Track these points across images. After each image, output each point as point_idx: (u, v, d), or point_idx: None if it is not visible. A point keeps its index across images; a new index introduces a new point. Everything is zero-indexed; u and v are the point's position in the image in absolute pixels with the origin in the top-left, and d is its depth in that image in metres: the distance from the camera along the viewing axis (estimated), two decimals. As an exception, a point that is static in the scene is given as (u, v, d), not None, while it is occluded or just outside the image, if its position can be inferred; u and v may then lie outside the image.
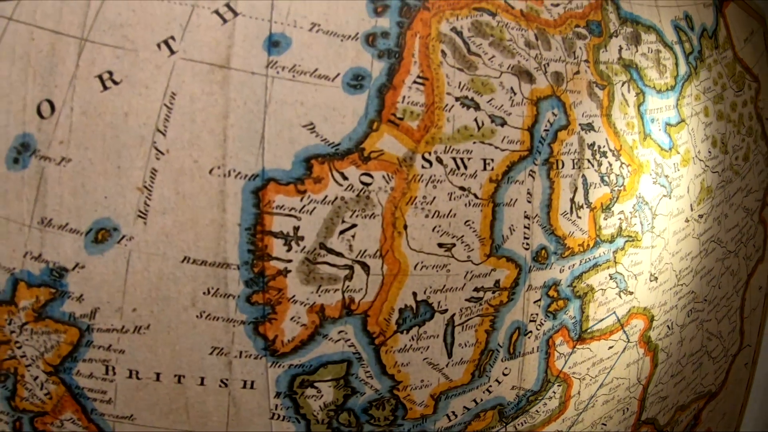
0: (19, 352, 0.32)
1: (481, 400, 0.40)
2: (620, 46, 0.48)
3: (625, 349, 0.52)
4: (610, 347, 0.50)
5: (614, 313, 0.48)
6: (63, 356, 0.31)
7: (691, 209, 0.58)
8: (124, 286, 0.30)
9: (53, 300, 0.31)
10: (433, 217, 0.34)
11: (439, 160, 0.34)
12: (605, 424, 0.55)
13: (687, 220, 0.57)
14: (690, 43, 0.60)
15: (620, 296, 0.48)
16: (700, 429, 0.80)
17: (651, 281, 0.52)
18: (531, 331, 0.41)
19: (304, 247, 0.31)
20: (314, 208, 0.31)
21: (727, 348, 0.78)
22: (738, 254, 0.74)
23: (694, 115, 0.59)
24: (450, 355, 0.37)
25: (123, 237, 0.29)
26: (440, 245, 0.34)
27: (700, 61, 0.62)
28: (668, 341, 0.60)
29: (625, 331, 0.51)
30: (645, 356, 0.56)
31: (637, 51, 0.50)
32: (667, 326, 0.58)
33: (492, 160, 0.36)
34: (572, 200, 0.41)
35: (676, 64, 0.56)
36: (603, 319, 0.47)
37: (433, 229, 0.34)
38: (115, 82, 0.30)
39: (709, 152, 0.62)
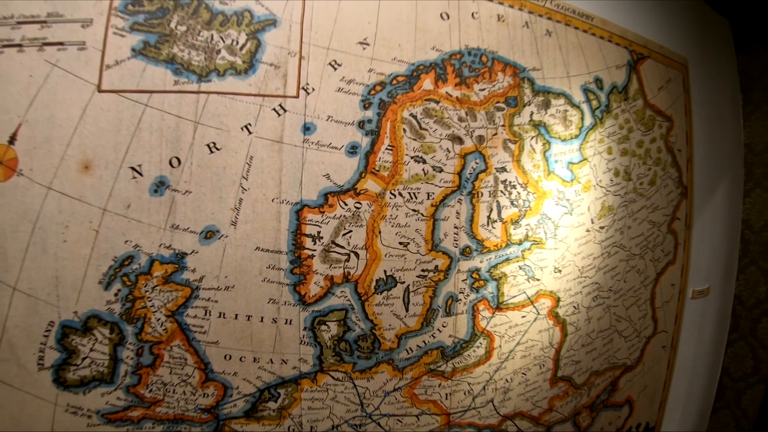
0: (149, 304, 0.61)
1: (428, 342, 0.71)
2: (532, 111, 0.80)
3: (536, 319, 0.84)
4: (523, 316, 0.81)
5: (524, 292, 0.80)
6: (179, 305, 0.61)
7: (592, 222, 0.90)
8: (220, 263, 0.59)
9: (176, 272, 0.60)
10: (396, 226, 0.65)
11: (400, 194, 0.64)
12: (525, 374, 0.86)
13: (588, 230, 0.89)
14: (597, 100, 0.92)
15: (528, 281, 0.80)
16: (619, 395, 1.13)
17: (555, 272, 0.84)
18: (460, 299, 0.72)
19: (323, 243, 0.61)
20: (328, 221, 0.61)
21: (639, 330, 1.11)
22: (644, 257, 1.07)
23: (596, 154, 0.91)
24: (407, 309, 0.67)
25: (222, 236, 0.59)
26: (401, 243, 0.65)
27: (606, 113, 0.94)
28: (575, 318, 0.92)
29: (535, 307, 0.83)
30: (555, 327, 0.88)
31: (546, 113, 0.82)
32: (573, 306, 0.90)
33: (433, 193, 0.66)
34: (488, 217, 0.72)
35: (582, 118, 0.88)
36: (515, 296, 0.79)
37: (396, 234, 0.65)
38: (217, 149, 0.59)
39: (611, 180, 0.95)
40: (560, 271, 0.86)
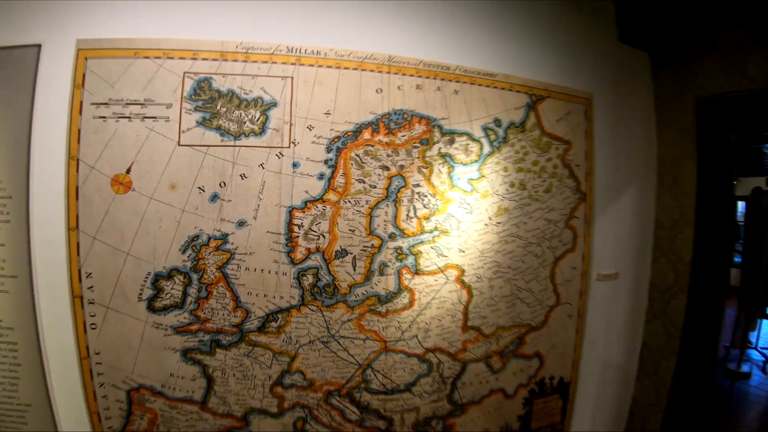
0: (207, 262, 1.24)
1: (368, 291, 1.33)
2: (440, 147, 1.41)
3: (446, 283, 1.46)
4: (436, 280, 1.43)
5: (436, 264, 1.42)
6: (223, 262, 1.24)
7: (489, 219, 1.51)
8: (247, 239, 1.22)
9: (222, 244, 1.23)
10: (347, 220, 1.27)
11: (349, 201, 1.26)
12: (440, 321, 1.48)
13: (486, 224, 1.51)
14: (495, 134, 1.53)
15: (438, 257, 1.41)
16: (527, 349, 1.74)
17: (460, 252, 1.46)
18: (389, 265, 1.34)
19: (304, 229, 1.23)
20: (307, 216, 1.24)
21: (541, 300, 1.73)
22: (541, 245, 1.68)
23: (494, 173, 1.52)
24: (354, 269, 1.30)
25: (248, 225, 1.22)
26: (350, 230, 1.27)
27: (503, 143, 1.55)
28: (479, 285, 1.53)
29: (444, 274, 1.45)
30: (462, 290, 1.50)
31: (451, 147, 1.43)
32: (477, 276, 1.52)
33: (370, 200, 1.28)
34: (407, 215, 1.34)
35: (481, 148, 1.49)
36: (429, 266, 1.41)
37: (347, 224, 1.27)
38: (246, 177, 1.22)
39: (507, 190, 1.56)
40: (464, 251, 1.48)
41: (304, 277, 1.29)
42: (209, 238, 1.21)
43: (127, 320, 1.20)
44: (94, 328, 1.19)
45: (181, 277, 1.21)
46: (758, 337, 5.03)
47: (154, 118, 1.15)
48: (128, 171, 1.15)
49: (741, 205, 6.03)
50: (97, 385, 1.21)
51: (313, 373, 1.35)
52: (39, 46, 1.13)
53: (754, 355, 4.64)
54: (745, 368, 4.30)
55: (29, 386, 1.21)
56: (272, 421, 1.34)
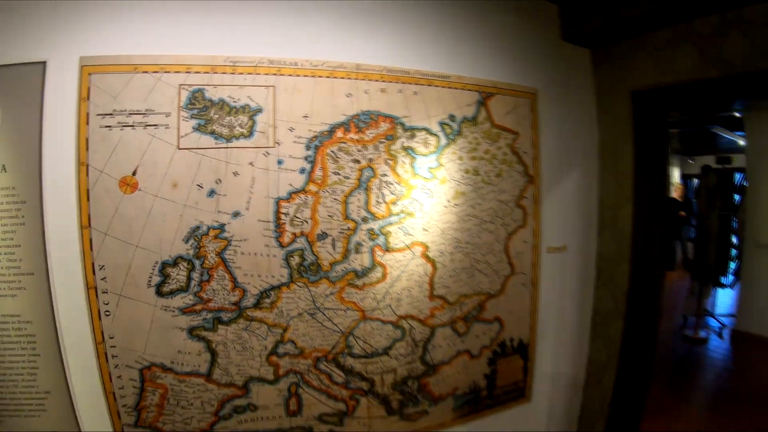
0: (207, 249, 1.56)
1: (347, 267, 1.70)
2: (403, 141, 1.78)
3: (413, 258, 1.84)
4: (404, 256, 1.81)
5: (403, 242, 1.80)
6: (222, 249, 1.57)
7: (448, 202, 1.91)
8: (241, 227, 1.56)
9: (220, 233, 1.56)
10: (326, 207, 1.62)
11: (327, 191, 1.62)
12: (410, 291, 1.87)
13: (445, 206, 1.90)
14: (451, 128, 1.92)
15: (405, 236, 1.79)
16: (488, 314, 2.16)
17: (423, 231, 1.84)
18: (363, 245, 1.70)
19: (290, 216, 1.58)
20: (292, 206, 1.58)
21: (497, 271, 2.14)
22: (495, 223, 2.09)
23: (450, 162, 1.91)
24: (334, 249, 1.65)
25: (242, 215, 1.55)
26: (328, 215, 1.63)
27: (458, 135, 1.94)
28: (442, 258, 1.93)
29: (411, 250, 1.83)
30: (427, 263, 1.88)
31: (412, 141, 1.81)
32: (439, 252, 1.92)
33: (344, 190, 1.64)
34: (377, 201, 1.70)
35: (438, 141, 1.88)
36: (397, 244, 1.79)
37: (326, 211, 1.62)
38: (238, 174, 1.55)
39: (462, 176, 1.95)
40: (427, 230, 1.87)
41: (292, 258, 1.63)
42: (209, 228, 1.53)
43: (138, 305, 1.50)
44: (108, 315, 1.47)
45: (185, 264, 1.53)
46: (714, 305, 5.80)
47: (155, 125, 1.46)
48: (134, 173, 1.45)
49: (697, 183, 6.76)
50: (112, 367, 1.49)
51: (303, 342, 1.71)
52: (44, 63, 1.40)
53: (713, 322, 5.36)
54: (703, 334, 4.99)
55: (48, 374, 1.45)
56: (269, 387, 1.68)
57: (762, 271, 4.97)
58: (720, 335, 5.07)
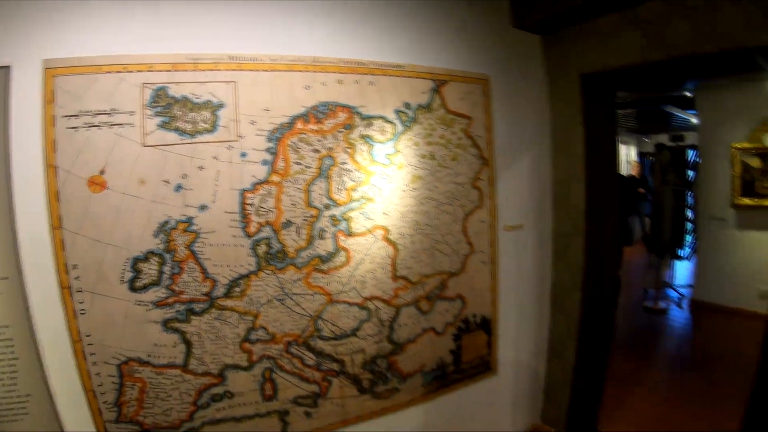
0: (177, 242, 1.77)
1: (312, 253, 1.95)
2: (360, 130, 2.04)
3: (375, 241, 2.11)
4: (366, 239, 2.08)
5: (365, 226, 2.07)
6: (191, 242, 1.78)
7: (406, 186, 2.19)
8: (209, 220, 1.78)
9: (189, 226, 1.77)
10: (289, 196, 1.86)
11: (290, 181, 1.86)
12: (374, 273, 2.14)
13: (404, 191, 2.18)
14: (407, 115, 2.20)
15: (366, 220, 2.06)
16: (450, 292, 2.47)
17: (384, 215, 2.11)
18: (327, 231, 1.96)
19: (255, 206, 1.81)
20: (257, 196, 1.81)
21: (456, 250, 2.45)
22: (453, 204, 2.39)
23: (407, 147, 2.19)
24: (298, 236, 1.90)
25: (208, 207, 1.77)
26: (292, 204, 1.87)
27: (413, 122, 2.22)
28: (403, 241, 2.21)
29: (373, 234, 2.10)
30: (388, 246, 2.16)
31: (369, 129, 2.07)
32: (400, 234, 2.20)
33: (306, 178, 1.89)
34: (338, 188, 1.96)
35: (395, 128, 2.15)
36: (359, 229, 2.05)
37: (290, 200, 1.86)
38: (204, 168, 1.77)
39: (419, 161, 2.24)
40: (387, 214, 2.14)
41: (259, 247, 1.87)
42: (177, 222, 1.73)
43: (112, 302, 1.66)
44: (83, 314, 1.63)
45: (156, 258, 1.73)
46: (673, 277, 6.54)
47: (121, 124, 1.65)
48: (102, 172, 1.64)
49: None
50: (90, 364, 1.64)
51: (274, 328, 1.94)
52: (8, 67, 1.56)
53: (672, 293, 6.05)
54: (663, 305, 5.63)
55: (28, 377, 1.54)
56: (244, 373, 1.90)
57: (716, 242, 5.62)
58: (679, 305, 5.76)
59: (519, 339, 2.90)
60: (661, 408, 3.53)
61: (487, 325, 2.62)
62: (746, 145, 5.14)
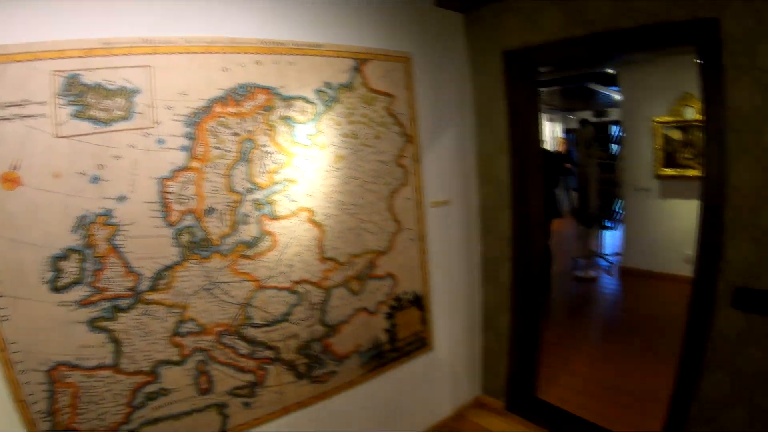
0: (97, 236, 1.93)
1: (237, 240, 2.18)
2: (281, 111, 2.27)
3: (300, 223, 2.37)
4: (291, 222, 2.32)
5: (289, 209, 2.32)
6: (112, 235, 1.95)
7: (329, 166, 2.46)
8: (128, 212, 1.95)
9: (108, 219, 1.93)
10: (210, 182, 2.07)
11: (210, 166, 2.07)
12: (301, 256, 2.40)
13: (327, 171, 2.45)
14: (327, 95, 2.46)
15: (290, 203, 2.31)
16: (380, 270, 2.78)
17: (308, 196, 2.37)
18: (250, 216, 2.19)
19: (176, 194, 2.01)
20: (177, 184, 2.01)
21: (383, 228, 2.76)
22: (377, 183, 2.69)
23: (329, 128, 2.45)
24: (222, 222, 2.12)
25: (127, 198, 1.94)
26: (213, 189, 2.08)
27: (335, 101, 2.49)
28: (328, 221, 2.48)
29: (298, 217, 2.36)
30: (314, 228, 2.43)
31: (290, 110, 2.31)
32: (325, 215, 2.46)
33: (227, 162, 2.11)
34: (260, 171, 2.19)
35: (316, 108, 2.41)
36: (283, 212, 2.29)
37: (211, 185, 2.08)
38: (120, 157, 1.94)
39: (342, 141, 2.51)
40: (311, 195, 2.40)
41: (182, 236, 2.06)
42: (95, 216, 1.87)
43: (35, 305, 1.73)
44: (6, 320, 1.69)
45: (77, 255, 1.85)
46: (602, 246, 7.54)
47: (33, 116, 1.73)
48: (15, 168, 1.75)
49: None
50: (18, 373, 1.71)
51: (203, 319, 2.14)
52: None
53: (603, 262, 6.95)
54: (593, 274, 6.47)
55: None
56: (177, 368, 2.06)
57: (641, 212, 6.52)
58: (609, 273, 6.62)
59: (453, 313, 3.28)
60: (597, 370, 4.12)
61: (419, 302, 2.96)
62: (667, 118, 5.95)
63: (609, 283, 6.50)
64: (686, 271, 2.59)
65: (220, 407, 2.22)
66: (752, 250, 2.23)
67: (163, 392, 2.06)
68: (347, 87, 2.49)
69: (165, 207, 1.98)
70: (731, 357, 2.37)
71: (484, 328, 3.61)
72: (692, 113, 5.68)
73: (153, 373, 2.02)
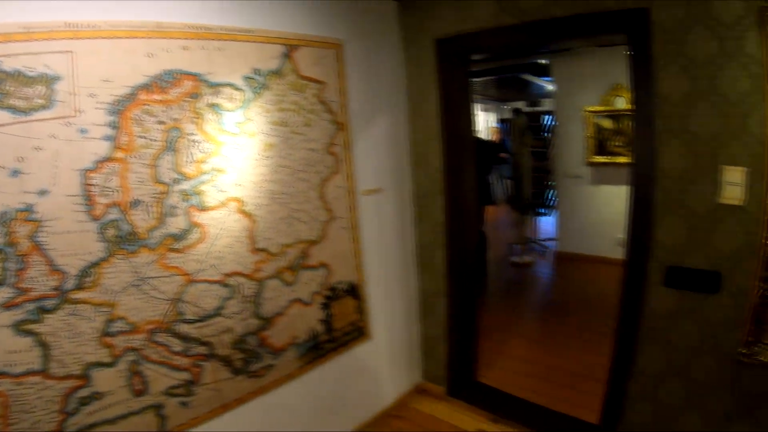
0: (18, 233, 2.02)
1: (165, 232, 2.32)
2: (208, 98, 2.41)
3: (230, 214, 2.52)
4: (221, 213, 2.45)
5: (218, 199, 2.47)
6: (34, 231, 2.03)
7: (259, 155, 2.63)
8: (50, 206, 2.03)
9: (30, 214, 2.02)
10: (135, 173, 2.21)
11: (135, 156, 2.19)
12: (232, 248, 2.54)
13: (256, 160, 2.61)
14: (256, 82, 2.62)
15: (219, 193, 2.45)
16: (313, 260, 2.97)
17: (237, 186, 2.54)
18: (178, 207, 2.32)
19: (100, 187, 2.13)
20: (100, 175, 2.12)
21: (315, 217, 2.94)
22: (307, 171, 2.87)
23: (258, 115, 2.61)
24: (148, 215, 2.26)
25: (49, 192, 2.02)
26: (139, 181, 2.21)
27: (264, 88, 2.66)
28: (259, 212, 2.63)
29: (227, 207, 2.51)
30: (244, 218, 2.58)
31: (218, 97, 2.45)
32: (256, 205, 2.62)
33: (152, 152, 2.24)
34: (186, 160, 2.33)
35: (245, 95, 2.57)
36: (212, 203, 2.44)
37: (136, 177, 2.21)
38: (41, 149, 2.02)
39: (271, 128, 2.68)
40: (241, 185, 2.55)
41: (107, 230, 2.15)
42: (16, 212, 1.90)
43: None
44: None
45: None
46: (537, 232, 8.29)
47: None
48: None
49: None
50: None
51: (133, 317, 2.22)
52: None
53: (538, 248, 7.67)
54: (529, 259, 7.14)
55: None
56: (109, 370, 2.12)
57: (574, 198, 7.37)
58: (544, 257, 7.32)
59: (390, 301, 3.52)
60: (535, 352, 4.57)
61: (355, 291, 3.18)
62: (599, 108, 6.77)
63: (545, 267, 7.13)
64: (619, 253, 2.97)
65: (157, 408, 2.32)
66: (681, 230, 2.57)
67: (97, 396, 2.13)
68: (277, 73, 2.65)
69: (89, 200, 2.06)
70: (665, 333, 2.72)
71: (422, 315, 3.90)
72: (623, 103, 6.45)
73: (84, 377, 2.09)
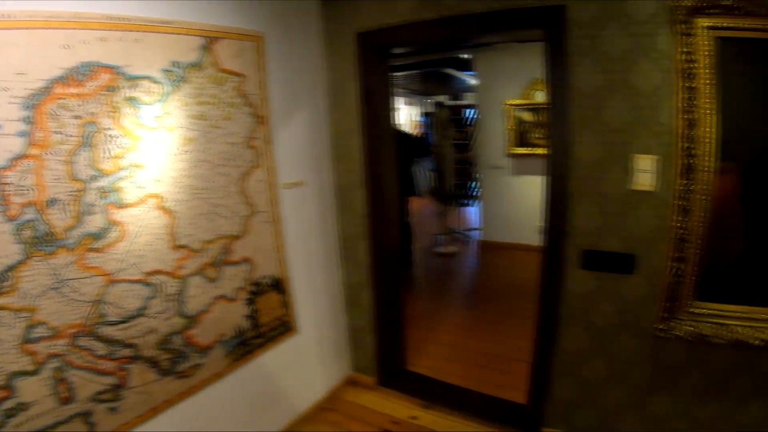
0: None
1: (83, 232, 2.42)
2: (125, 92, 2.52)
3: (149, 211, 2.66)
4: (140, 210, 2.57)
5: (136, 196, 2.60)
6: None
7: (178, 149, 2.78)
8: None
9: None
10: (52, 170, 2.31)
11: (51, 153, 2.30)
12: (152, 245, 2.66)
13: (176, 155, 2.75)
14: (175, 74, 2.76)
15: (137, 189, 2.58)
16: (236, 256, 3.13)
17: (156, 182, 2.66)
18: (96, 205, 2.43)
19: (15, 186, 2.22)
20: (15, 174, 2.22)
21: (237, 212, 3.08)
22: (227, 165, 3.02)
23: (176, 108, 2.75)
24: (66, 214, 2.37)
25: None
26: (55, 178, 2.33)
27: (183, 81, 2.79)
28: (179, 207, 2.75)
29: (146, 204, 2.65)
30: (164, 215, 2.71)
31: (135, 91, 2.56)
32: (175, 201, 2.75)
33: (68, 148, 2.35)
34: (103, 156, 2.45)
35: (163, 88, 2.70)
36: (130, 200, 2.56)
37: (52, 174, 2.31)
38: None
39: (190, 122, 2.82)
40: (159, 181, 2.67)
41: (23, 231, 2.24)
42: None
43: None
44: None
45: None
46: (461, 222, 8.98)
47: None
48: None
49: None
50: None
51: (55, 321, 2.27)
52: None
53: (462, 238, 8.31)
54: (453, 249, 7.74)
55: None
56: (33, 378, 2.18)
57: (496, 188, 8.16)
58: (468, 247, 7.95)
59: (316, 294, 3.75)
60: (463, 337, 5.00)
61: (279, 285, 3.38)
62: (519, 101, 7.58)
63: (469, 256, 7.75)
64: (539, 241, 3.34)
65: (85, 416, 2.42)
66: (597, 215, 2.94)
67: (22, 407, 2.20)
68: (196, 66, 2.79)
69: (4, 200, 2.12)
70: (585, 313, 3.09)
71: (348, 307, 4.18)
72: (542, 96, 7.14)
73: (8, 387, 2.15)
